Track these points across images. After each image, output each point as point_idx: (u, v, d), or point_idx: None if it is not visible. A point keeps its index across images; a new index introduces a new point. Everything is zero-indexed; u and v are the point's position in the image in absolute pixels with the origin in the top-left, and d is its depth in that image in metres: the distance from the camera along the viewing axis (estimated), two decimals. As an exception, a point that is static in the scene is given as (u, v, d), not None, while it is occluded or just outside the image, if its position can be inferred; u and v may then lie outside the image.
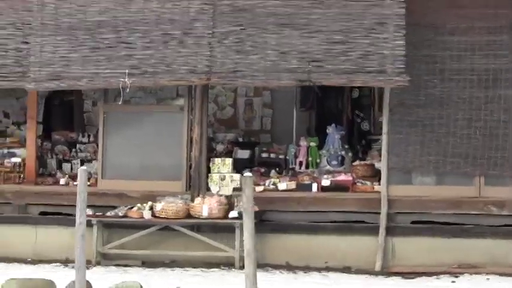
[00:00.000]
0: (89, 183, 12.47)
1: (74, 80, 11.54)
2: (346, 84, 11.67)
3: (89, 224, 11.60)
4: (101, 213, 11.76)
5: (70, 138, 14.03)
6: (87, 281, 9.11)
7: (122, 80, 11.25)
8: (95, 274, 10.96)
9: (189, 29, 11.36)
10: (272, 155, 13.30)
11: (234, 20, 11.33)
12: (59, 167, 13.44)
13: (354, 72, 11.03)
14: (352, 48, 11.05)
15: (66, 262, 11.78)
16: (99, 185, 12.26)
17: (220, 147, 13.47)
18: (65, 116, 15.56)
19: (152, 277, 10.65)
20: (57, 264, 11.77)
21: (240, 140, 14.29)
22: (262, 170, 12.70)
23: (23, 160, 12.78)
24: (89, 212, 11.77)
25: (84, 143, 13.85)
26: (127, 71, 11.29)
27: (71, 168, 13.35)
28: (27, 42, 11.73)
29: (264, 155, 13.39)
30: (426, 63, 11.50)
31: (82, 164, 13.38)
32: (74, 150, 13.70)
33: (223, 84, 12.32)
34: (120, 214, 11.66)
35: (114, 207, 11.90)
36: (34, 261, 11.92)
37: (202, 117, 11.92)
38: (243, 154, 13.19)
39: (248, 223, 6.48)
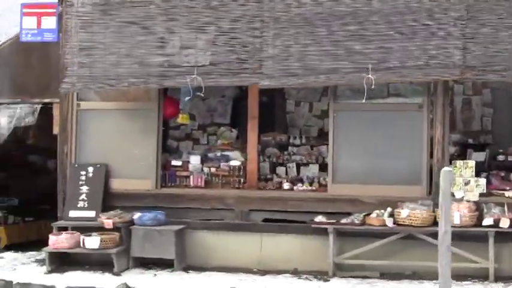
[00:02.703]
0: (313, 188, 11.73)
1: (310, 76, 10.56)
2: None
3: (324, 233, 10.81)
4: (334, 221, 10.86)
5: (280, 140, 13.17)
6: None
7: (366, 75, 10.28)
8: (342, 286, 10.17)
9: (440, 19, 10.25)
10: (510, 158, 12.15)
11: (491, 6, 10.22)
12: (273, 170, 12.59)
13: None
14: None
15: (296, 273, 10.96)
16: (329, 190, 11.32)
17: (451, 149, 12.36)
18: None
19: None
20: (287, 275, 10.90)
21: (471, 141, 13.17)
22: (502, 174, 11.57)
23: (242, 163, 11.99)
24: (322, 219, 10.96)
25: (297, 145, 13.00)
26: (370, 65, 10.32)
27: (286, 172, 12.48)
28: (258, 36, 10.85)
29: (501, 157, 12.25)
30: None
31: (298, 167, 12.57)
32: (286, 152, 12.82)
33: (478, 79, 11.13)
34: (357, 221, 10.70)
35: (345, 214, 10.99)
36: (260, 272, 11.09)
37: (444, 116, 10.89)
38: (479, 156, 12.04)
39: None
